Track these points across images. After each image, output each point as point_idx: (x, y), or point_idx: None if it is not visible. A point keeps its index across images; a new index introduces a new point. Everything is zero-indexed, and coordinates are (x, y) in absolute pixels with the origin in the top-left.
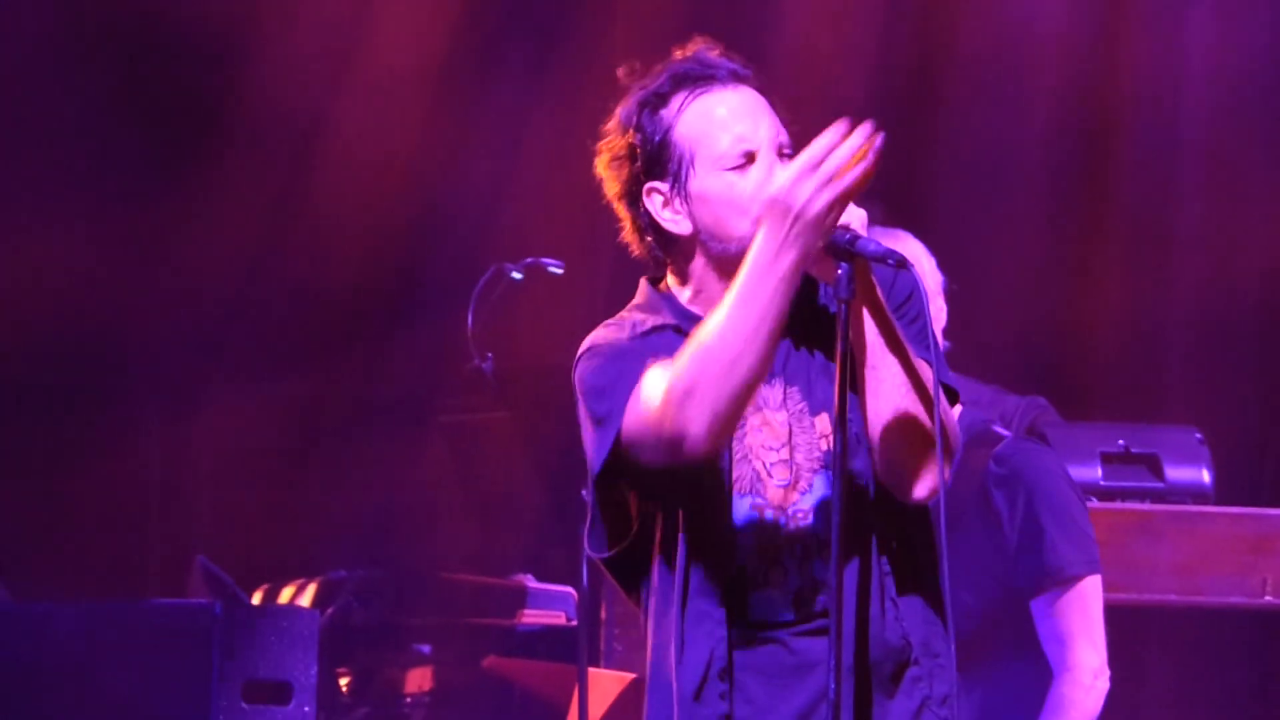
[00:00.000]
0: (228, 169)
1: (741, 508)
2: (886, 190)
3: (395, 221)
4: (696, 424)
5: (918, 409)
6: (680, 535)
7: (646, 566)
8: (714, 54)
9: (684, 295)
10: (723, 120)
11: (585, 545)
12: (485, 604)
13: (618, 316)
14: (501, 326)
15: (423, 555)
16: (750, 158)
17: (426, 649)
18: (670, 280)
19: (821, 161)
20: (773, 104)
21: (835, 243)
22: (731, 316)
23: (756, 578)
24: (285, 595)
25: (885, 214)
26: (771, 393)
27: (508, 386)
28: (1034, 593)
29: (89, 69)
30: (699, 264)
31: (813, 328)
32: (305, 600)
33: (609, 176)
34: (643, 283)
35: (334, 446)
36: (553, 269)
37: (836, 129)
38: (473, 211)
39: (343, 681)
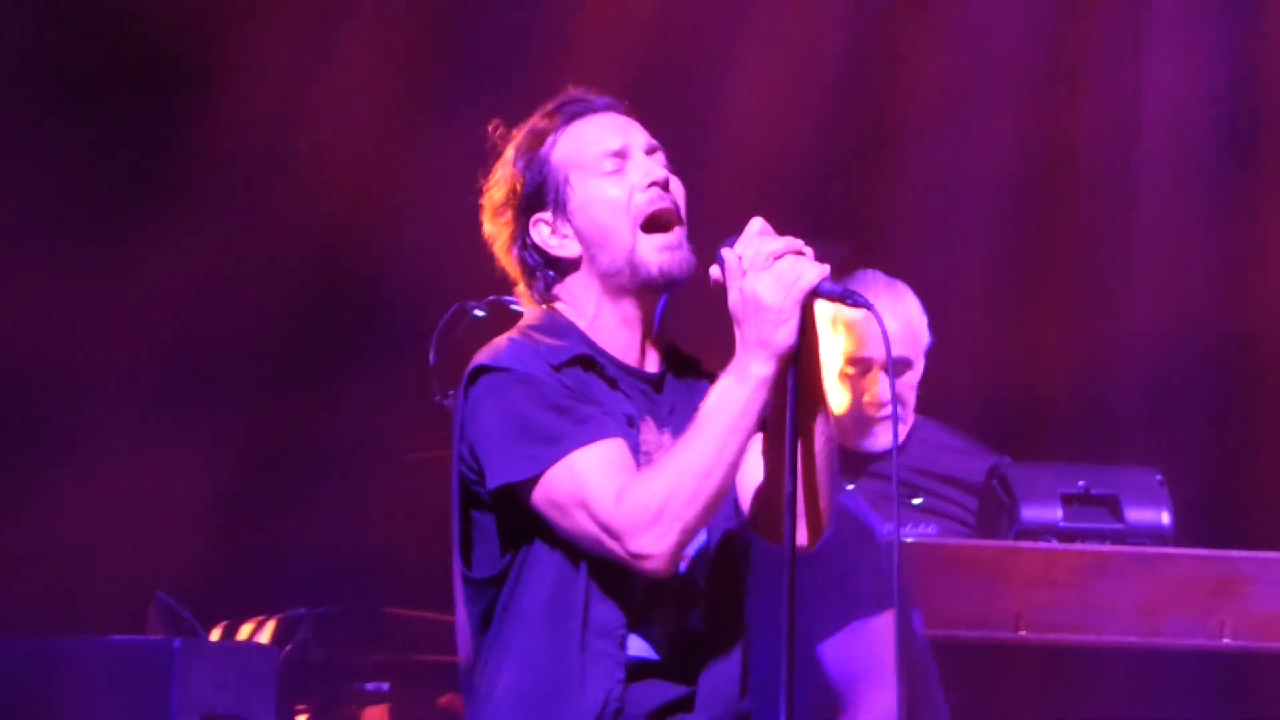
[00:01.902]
0: (182, 206)
1: None
2: (843, 229)
3: (355, 259)
4: (664, 547)
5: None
6: (581, 573)
7: (510, 595)
8: (584, 94)
9: (579, 323)
10: (592, 135)
11: (456, 559)
12: (444, 641)
13: (519, 333)
14: (464, 364)
15: (382, 592)
16: (621, 155)
17: (385, 686)
18: (564, 309)
19: (779, 256)
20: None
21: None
22: (717, 444)
23: (641, 619)
24: (244, 632)
25: (846, 254)
26: (664, 439)
27: None
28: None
29: (39, 105)
30: (591, 289)
31: (694, 384)
32: (264, 637)
33: (496, 228)
34: (534, 307)
35: (294, 483)
36: (515, 307)
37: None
38: (433, 248)
39: (300, 718)
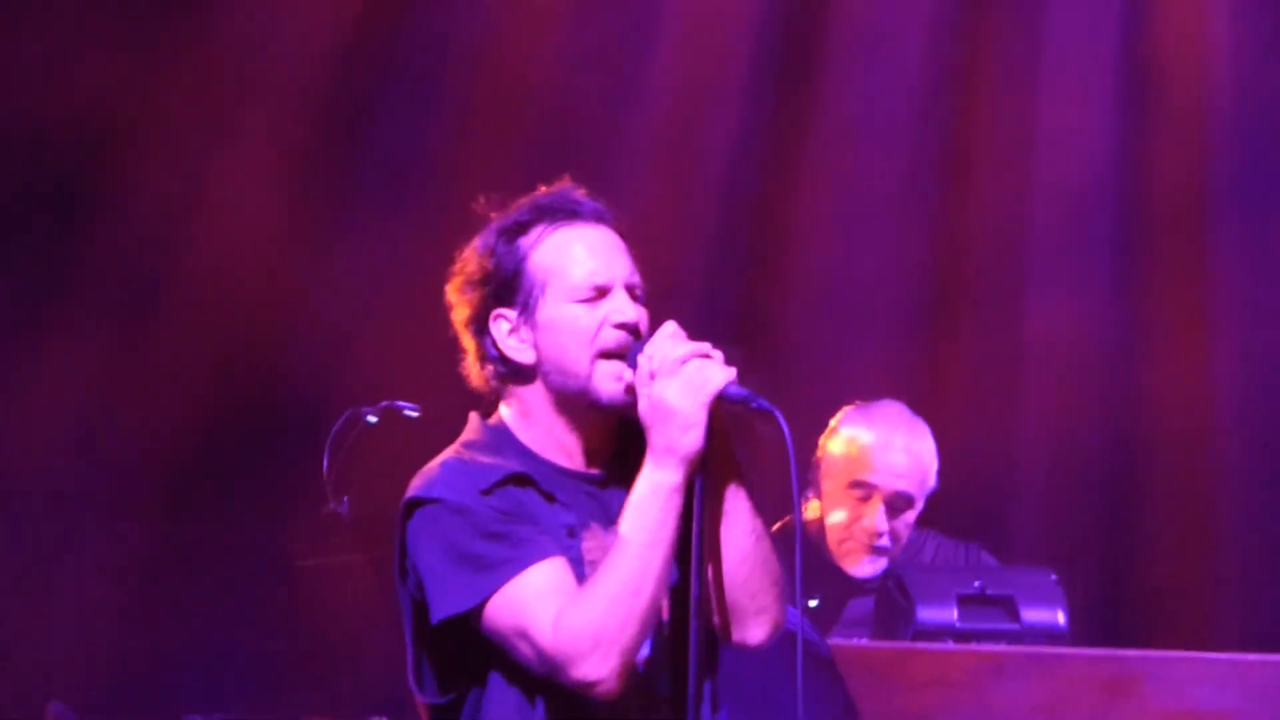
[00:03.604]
0: (76, 315)
1: None
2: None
3: (247, 365)
4: (607, 671)
5: (752, 563)
6: (540, 700)
7: (470, 711)
8: (578, 193)
9: (521, 431)
10: (578, 253)
11: (412, 686)
12: None
13: (454, 453)
14: (357, 470)
15: (278, 699)
16: (601, 292)
17: None
18: (505, 412)
19: (685, 360)
20: (630, 249)
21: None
22: (640, 561)
23: None
24: None
25: (745, 357)
26: (608, 539)
27: (364, 529)
28: None
29: None
30: (539, 398)
31: (635, 457)
32: None
33: (459, 301)
34: (474, 417)
35: (188, 589)
36: (408, 412)
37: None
38: (325, 354)
39: None
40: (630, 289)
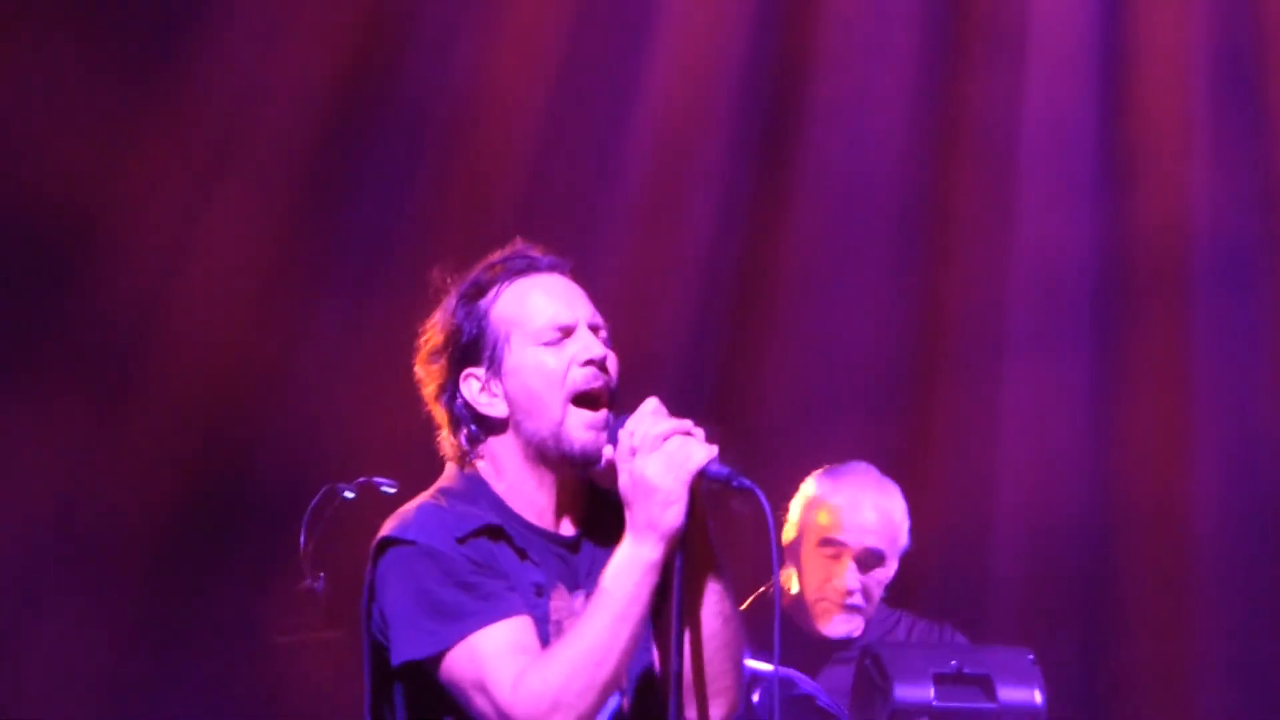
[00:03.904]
0: (52, 384)
1: None
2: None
3: (224, 440)
4: None
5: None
6: None
7: None
8: (533, 248)
9: (495, 483)
10: (538, 300)
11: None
12: None
13: (430, 498)
14: (334, 546)
15: None
16: (565, 332)
17: None
18: (481, 465)
19: (667, 437)
20: (591, 297)
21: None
22: (609, 631)
23: None
24: None
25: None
26: (574, 602)
27: (340, 606)
28: None
29: None
30: (512, 451)
31: (615, 536)
32: None
33: (427, 372)
34: (451, 465)
35: (163, 665)
36: (385, 488)
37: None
38: (303, 429)
39: None
40: (594, 328)
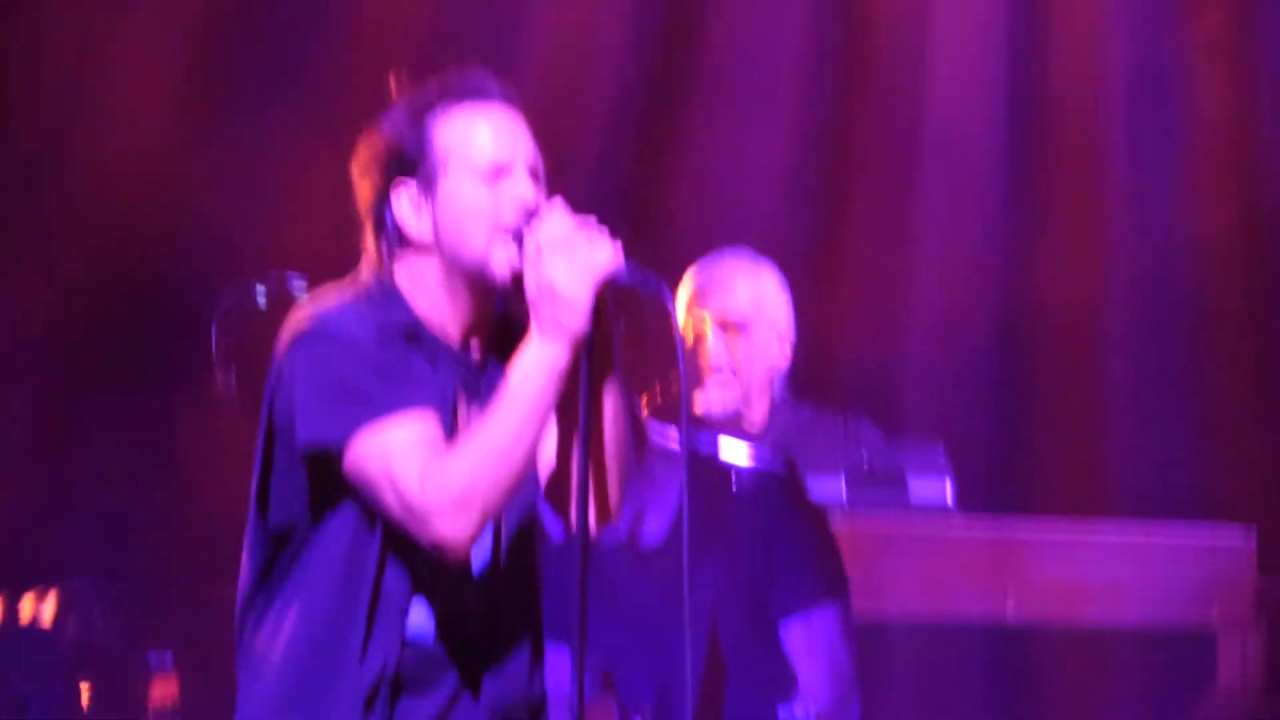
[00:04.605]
0: None
1: None
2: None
3: (138, 243)
4: (465, 531)
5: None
6: (375, 541)
7: (300, 550)
8: (487, 75)
9: (412, 299)
10: (482, 132)
11: (252, 504)
12: (226, 613)
13: (347, 295)
14: (245, 344)
15: (164, 565)
16: (502, 171)
17: (169, 658)
18: (397, 275)
19: (573, 240)
20: (535, 134)
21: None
22: (514, 429)
23: (424, 594)
24: (26, 602)
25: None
26: (473, 416)
27: (253, 405)
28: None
29: None
30: (432, 271)
31: (511, 349)
32: (46, 608)
33: (361, 176)
34: (367, 269)
35: (78, 451)
36: (297, 289)
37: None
38: (214, 230)
39: (84, 692)
40: (532, 172)
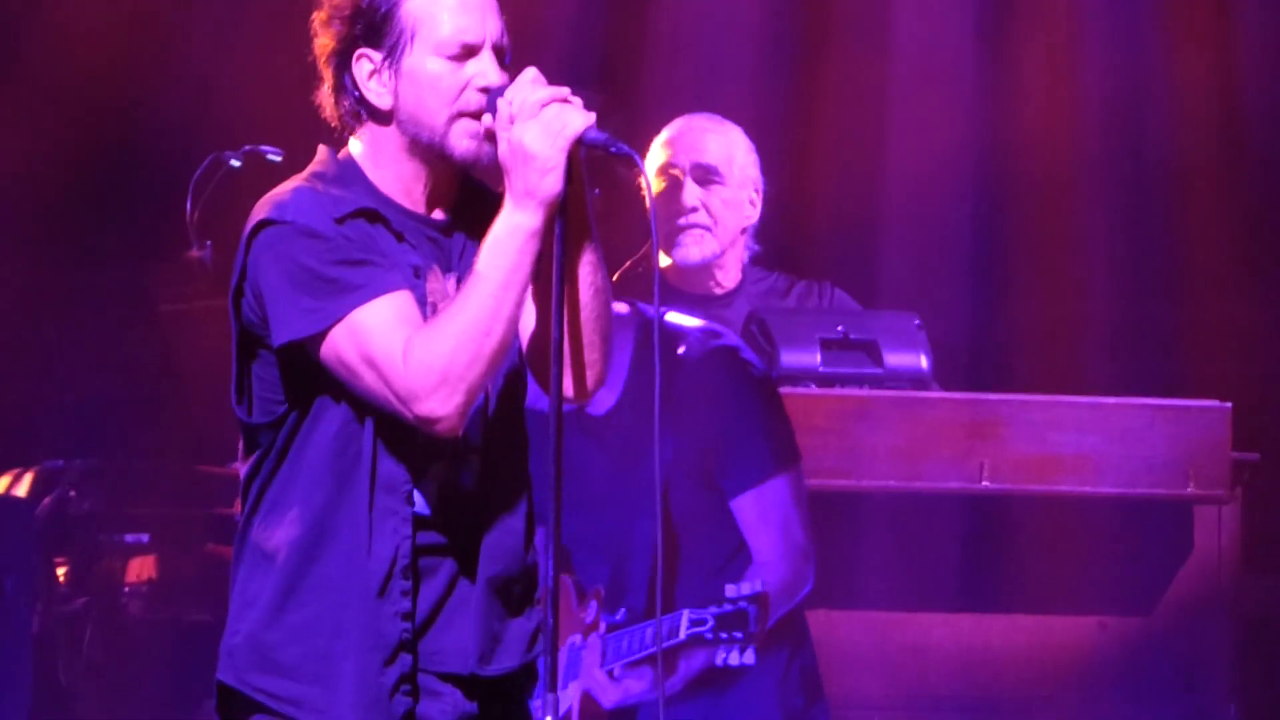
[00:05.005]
0: None
1: None
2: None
3: (111, 110)
4: (454, 408)
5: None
6: (368, 428)
7: (290, 444)
8: None
9: (370, 169)
10: (452, 7)
11: (234, 406)
12: (204, 492)
13: (305, 181)
14: (221, 214)
15: (141, 443)
16: (469, 51)
17: (145, 538)
18: (355, 148)
19: (545, 104)
20: (503, 12)
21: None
22: (493, 300)
23: (419, 475)
24: (1, 484)
25: (605, 103)
26: (448, 285)
27: (228, 273)
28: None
29: None
30: (391, 141)
31: (486, 220)
32: (22, 489)
33: (324, 33)
34: (322, 149)
35: (51, 333)
36: (271, 156)
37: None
38: (188, 99)
39: (60, 571)
40: (498, 50)
